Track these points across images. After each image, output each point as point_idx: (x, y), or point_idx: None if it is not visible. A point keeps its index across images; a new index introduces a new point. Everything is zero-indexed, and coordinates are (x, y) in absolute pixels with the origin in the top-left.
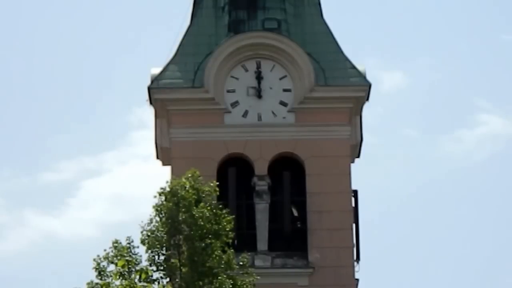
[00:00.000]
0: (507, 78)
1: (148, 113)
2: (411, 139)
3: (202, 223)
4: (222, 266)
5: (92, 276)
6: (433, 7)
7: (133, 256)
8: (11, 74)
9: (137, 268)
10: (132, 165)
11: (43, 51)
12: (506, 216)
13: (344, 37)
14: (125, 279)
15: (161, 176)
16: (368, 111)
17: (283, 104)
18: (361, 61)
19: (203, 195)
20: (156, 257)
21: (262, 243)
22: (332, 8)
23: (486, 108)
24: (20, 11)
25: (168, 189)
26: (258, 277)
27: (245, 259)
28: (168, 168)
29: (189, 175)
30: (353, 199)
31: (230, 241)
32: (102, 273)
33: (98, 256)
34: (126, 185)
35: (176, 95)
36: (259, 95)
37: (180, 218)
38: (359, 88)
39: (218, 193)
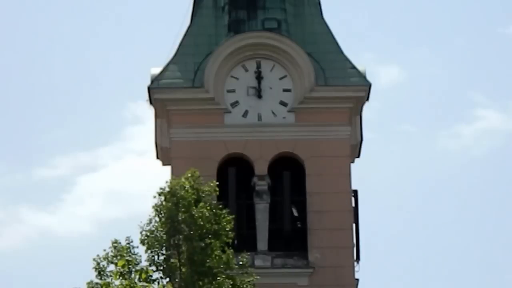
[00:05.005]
0: (504, 72)
1: (142, 108)
2: (409, 135)
3: (201, 223)
4: (222, 266)
5: (89, 272)
6: (429, 2)
7: (133, 256)
8: (7, 70)
9: (137, 268)
10: (127, 160)
11: (39, 48)
12: (506, 212)
13: (341, 33)
14: (125, 279)
15: (156, 171)
16: (365, 106)
17: (283, 104)
18: (357, 56)
19: (203, 195)
20: (156, 257)
21: (262, 243)
22: (332, 8)
23: (484, 103)
24: (19, 8)
25: (167, 189)
26: (258, 277)
27: (245, 259)
28: (168, 168)
29: (189, 175)
30: (353, 199)
31: (230, 241)
32: (102, 273)
33: (98, 256)
34: (122, 180)
35: (176, 95)
36: (259, 95)
37: (180, 218)
38: (359, 88)
39: (218, 193)
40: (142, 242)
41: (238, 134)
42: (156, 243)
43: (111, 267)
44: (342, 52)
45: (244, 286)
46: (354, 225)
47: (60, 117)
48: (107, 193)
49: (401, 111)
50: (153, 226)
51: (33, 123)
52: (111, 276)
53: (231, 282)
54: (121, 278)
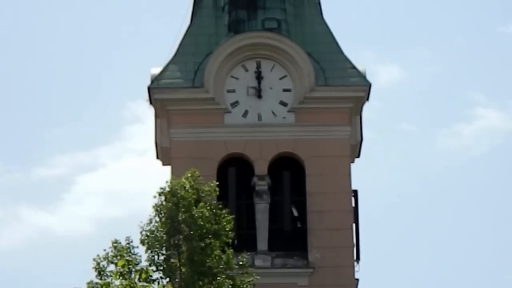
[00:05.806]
0: (504, 71)
1: (142, 108)
2: (408, 134)
3: (201, 223)
4: (222, 266)
5: (89, 271)
6: (429, 2)
7: (133, 256)
8: (6, 70)
9: (137, 268)
10: (126, 160)
11: (39, 47)
12: (505, 211)
13: (341, 33)
14: (125, 279)
15: (156, 171)
16: (365, 106)
17: (283, 104)
18: (357, 56)
19: (203, 195)
20: (156, 257)
21: (262, 243)
22: (332, 8)
23: (483, 102)
24: (19, 7)
25: (167, 189)
26: (258, 277)
27: (245, 259)
28: (168, 168)
29: (189, 175)
30: (353, 199)
31: (230, 241)
32: (102, 273)
33: (98, 256)
34: (121, 180)
35: (176, 95)
36: (259, 95)
37: (180, 218)
38: (359, 88)
39: (218, 193)
40: (142, 242)
41: (238, 134)
42: (156, 243)
43: (111, 267)
44: (342, 52)
45: (244, 286)
46: (354, 225)
47: (59, 116)
48: (106, 192)
49: (401, 111)
50: (153, 226)
51: (33, 122)
52: (111, 276)
53: (231, 282)
54: (121, 278)
